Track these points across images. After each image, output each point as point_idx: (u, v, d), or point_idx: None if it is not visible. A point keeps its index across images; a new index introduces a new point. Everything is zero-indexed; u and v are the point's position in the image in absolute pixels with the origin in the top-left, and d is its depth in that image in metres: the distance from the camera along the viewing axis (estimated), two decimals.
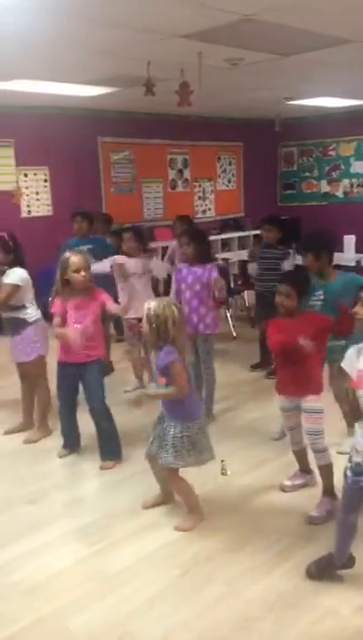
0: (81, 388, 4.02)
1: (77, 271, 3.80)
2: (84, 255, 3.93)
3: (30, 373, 4.43)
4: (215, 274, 4.45)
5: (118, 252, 5.19)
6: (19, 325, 4.28)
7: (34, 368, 4.38)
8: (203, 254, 4.51)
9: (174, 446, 3.14)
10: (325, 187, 10.41)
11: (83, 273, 3.80)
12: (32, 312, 4.30)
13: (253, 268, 5.38)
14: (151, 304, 3.11)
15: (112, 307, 4.07)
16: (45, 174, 7.94)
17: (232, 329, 6.87)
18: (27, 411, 4.59)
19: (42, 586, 2.84)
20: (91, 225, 5.81)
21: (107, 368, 5.68)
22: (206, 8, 3.60)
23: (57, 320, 3.87)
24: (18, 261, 4.26)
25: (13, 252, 4.25)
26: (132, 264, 4.97)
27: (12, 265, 4.23)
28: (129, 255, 5.00)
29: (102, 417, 3.97)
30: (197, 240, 4.53)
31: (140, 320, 4.95)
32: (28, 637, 2.52)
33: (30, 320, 4.29)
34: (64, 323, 3.84)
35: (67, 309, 3.84)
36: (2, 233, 4.29)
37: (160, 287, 6.16)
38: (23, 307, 4.26)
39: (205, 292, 4.43)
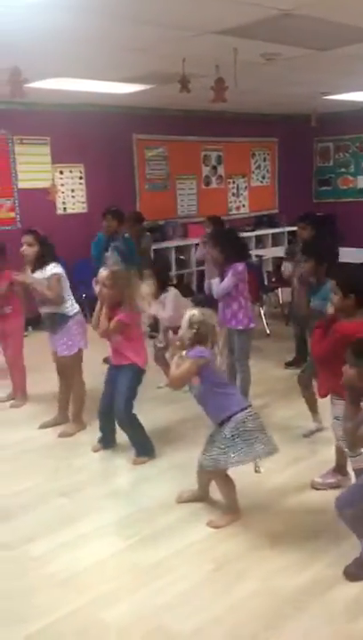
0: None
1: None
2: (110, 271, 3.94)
3: (68, 367, 4.48)
4: (231, 272, 4.43)
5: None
6: (60, 320, 4.35)
7: (72, 362, 4.43)
8: (230, 256, 4.50)
9: (219, 447, 3.15)
10: (361, 182, 10.24)
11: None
12: (71, 306, 4.37)
13: (287, 267, 5.31)
14: (194, 311, 3.23)
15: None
16: (81, 171, 8.02)
17: (266, 326, 6.83)
18: (62, 405, 4.65)
19: (76, 578, 2.88)
20: (120, 224, 5.90)
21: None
22: (243, 4, 3.58)
23: None
24: (51, 256, 4.36)
25: (48, 247, 4.37)
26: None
27: (44, 259, 4.32)
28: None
29: (123, 424, 4.00)
30: (222, 241, 4.55)
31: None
32: (62, 628, 2.56)
33: (70, 314, 4.36)
34: None
35: None
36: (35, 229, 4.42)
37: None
38: (62, 302, 4.32)
39: (236, 288, 4.44)
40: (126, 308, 3.86)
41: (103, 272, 3.89)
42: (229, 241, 4.62)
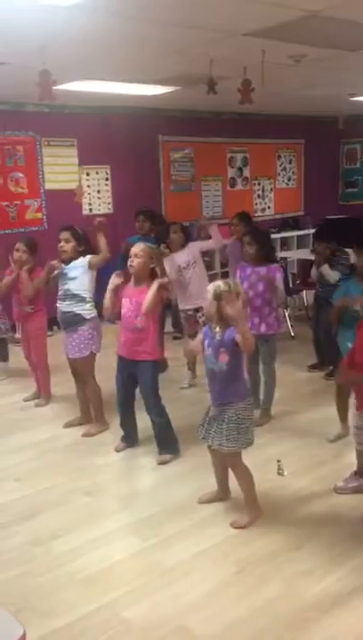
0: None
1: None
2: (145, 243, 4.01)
3: (80, 369, 4.50)
4: (279, 276, 4.42)
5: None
6: (76, 321, 4.36)
7: (84, 365, 4.44)
8: (266, 254, 4.49)
9: (229, 429, 3.15)
10: None
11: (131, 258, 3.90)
12: (90, 308, 4.38)
13: (332, 275, 5.23)
14: (218, 282, 3.16)
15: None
16: (107, 173, 8.07)
17: (290, 328, 6.80)
18: (83, 405, 4.68)
19: (99, 576, 2.90)
20: (153, 224, 5.91)
21: (162, 365, 5.74)
22: (271, 5, 3.57)
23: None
24: (89, 252, 4.40)
25: (85, 244, 4.40)
26: (181, 257, 5.06)
27: (82, 255, 4.37)
28: (173, 249, 5.14)
29: (154, 415, 4.02)
30: (261, 240, 4.51)
31: (196, 310, 5.05)
32: (85, 626, 2.58)
33: (87, 317, 4.37)
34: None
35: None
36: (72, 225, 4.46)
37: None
38: (83, 300, 4.34)
39: (269, 292, 4.41)
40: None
41: (138, 244, 3.94)
42: (266, 241, 4.62)
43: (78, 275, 4.34)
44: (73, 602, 2.72)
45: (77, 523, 3.36)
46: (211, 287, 3.15)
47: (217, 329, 3.15)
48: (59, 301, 4.43)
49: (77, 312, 4.35)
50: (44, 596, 2.78)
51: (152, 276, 3.93)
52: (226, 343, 3.12)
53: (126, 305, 3.91)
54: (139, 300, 3.85)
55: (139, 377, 3.98)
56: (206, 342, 3.23)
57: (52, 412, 4.96)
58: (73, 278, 4.35)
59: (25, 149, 7.29)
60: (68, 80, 5.52)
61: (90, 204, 7.97)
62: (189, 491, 3.61)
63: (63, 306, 4.40)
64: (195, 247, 5.28)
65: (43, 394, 5.17)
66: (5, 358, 5.99)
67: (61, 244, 4.38)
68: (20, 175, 7.29)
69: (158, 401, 4.00)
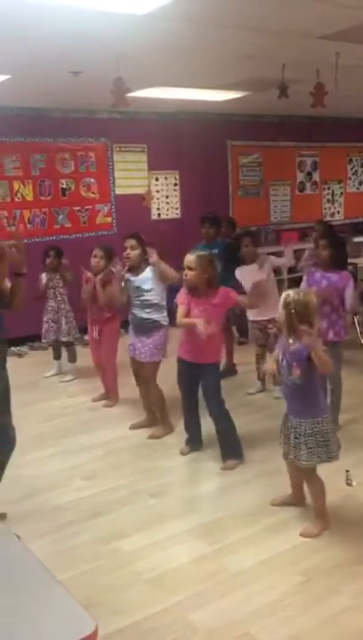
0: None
1: (183, 269, 3.90)
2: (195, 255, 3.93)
3: (146, 373, 4.52)
4: (352, 284, 4.34)
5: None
6: (153, 327, 4.41)
7: (151, 369, 4.47)
8: (339, 260, 4.42)
9: (306, 443, 3.11)
10: None
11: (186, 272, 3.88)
12: (166, 316, 4.44)
13: None
14: (289, 292, 3.14)
15: (239, 299, 4.05)
16: (176, 178, 8.15)
17: (360, 336, 6.64)
18: (147, 407, 4.73)
19: (164, 577, 2.93)
20: (218, 230, 5.89)
21: (230, 370, 5.74)
22: (346, 7, 3.52)
23: (182, 310, 3.93)
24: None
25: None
26: (253, 274, 4.99)
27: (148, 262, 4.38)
28: (247, 261, 5.16)
29: (218, 419, 4.01)
30: (336, 245, 4.44)
31: (268, 322, 5.01)
32: (151, 626, 2.60)
33: (165, 323, 4.43)
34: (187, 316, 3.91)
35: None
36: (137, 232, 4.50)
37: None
38: (161, 308, 4.41)
39: (339, 298, 4.33)
40: (216, 290, 3.88)
41: (188, 256, 3.90)
42: (341, 247, 4.54)
43: (153, 285, 4.38)
44: (139, 601, 2.75)
45: (143, 523, 3.39)
46: (282, 296, 3.13)
47: (290, 340, 3.12)
48: (136, 309, 4.45)
49: (156, 319, 4.41)
50: (111, 594, 2.82)
51: (210, 285, 3.89)
52: (298, 358, 3.09)
53: (195, 313, 3.88)
54: (206, 307, 3.85)
55: (202, 380, 4.00)
56: (281, 356, 3.21)
57: (119, 414, 5.04)
58: (149, 290, 4.39)
59: (97, 155, 7.47)
60: (141, 87, 5.62)
61: (158, 208, 8.06)
62: (254, 497, 3.58)
63: (142, 313, 4.42)
64: (267, 264, 5.22)
65: (111, 395, 5.26)
66: (74, 359, 6.14)
67: (127, 251, 4.41)
68: (92, 180, 7.47)
69: (222, 404, 4.01)
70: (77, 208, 7.39)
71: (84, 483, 3.89)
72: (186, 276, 3.89)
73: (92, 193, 7.49)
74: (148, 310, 4.41)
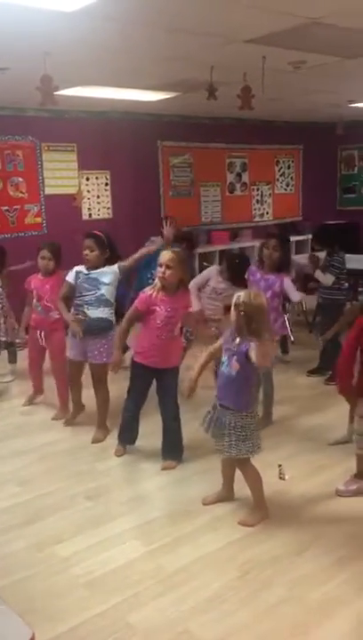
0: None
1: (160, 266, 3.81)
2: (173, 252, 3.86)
3: (99, 375, 4.43)
4: (287, 278, 4.44)
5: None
6: (105, 327, 4.32)
7: (104, 370, 4.38)
8: (283, 264, 4.52)
9: (229, 435, 3.20)
10: None
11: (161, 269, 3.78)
12: (113, 314, 4.38)
13: (326, 278, 5.30)
14: (241, 293, 3.19)
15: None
16: (106, 178, 8.08)
17: (290, 333, 6.81)
18: (76, 400, 4.73)
19: (102, 580, 2.90)
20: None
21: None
22: (272, 12, 3.60)
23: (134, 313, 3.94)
24: (115, 258, 4.35)
25: (110, 249, 4.34)
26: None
27: (108, 262, 4.31)
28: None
29: (173, 424, 4.03)
30: (285, 249, 4.56)
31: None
32: (88, 631, 2.58)
33: (114, 322, 4.37)
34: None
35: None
36: (97, 231, 4.39)
37: None
38: (112, 306, 4.34)
39: (277, 299, 4.43)
40: (185, 290, 3.90)
41: (166, 254, 3.79)
42: (288, 250, 4.65)
43: (111, 281, 4.29)
44: (77, 606, 2.72)
45: (80, 527, 3.36)
46: (234, 297, 3.19)
47: (237, 340, 3.18)
48: (86, 306, 4.30)
49: (109, 318, 4.33)
50: (49, 600, 2.78)
51: (181, 285, 3.87)
52: (239, 354, 3.17)
53: (162, 313, 3.81)
54: (174, 307, 3.83)
55: (161, 383, 3.99)
56: (224, 346, 3.29)
57: (51, 417, 4.94)
58: (107, 284, 4.29)
59: (25, 154, 7.30)
60: (70, 85, 5.54)
61: (89, 209, 7.98)
62: (192, 495, 3.61)
63: (97, 312, 4.29)
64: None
65: (62, 407, 4.95)
66: (14, 360, 5.96)
67: (85, 252, 4.29)
68: (20, 180, 7.30)
69: (177, 405, 4.03)
70: (5, 208, 7.21)
71: (18, 489, 3.81)
72: (164, 274, 3.76)
73: (21, 192, 7.32)
74: (102, 308, 4.29)
